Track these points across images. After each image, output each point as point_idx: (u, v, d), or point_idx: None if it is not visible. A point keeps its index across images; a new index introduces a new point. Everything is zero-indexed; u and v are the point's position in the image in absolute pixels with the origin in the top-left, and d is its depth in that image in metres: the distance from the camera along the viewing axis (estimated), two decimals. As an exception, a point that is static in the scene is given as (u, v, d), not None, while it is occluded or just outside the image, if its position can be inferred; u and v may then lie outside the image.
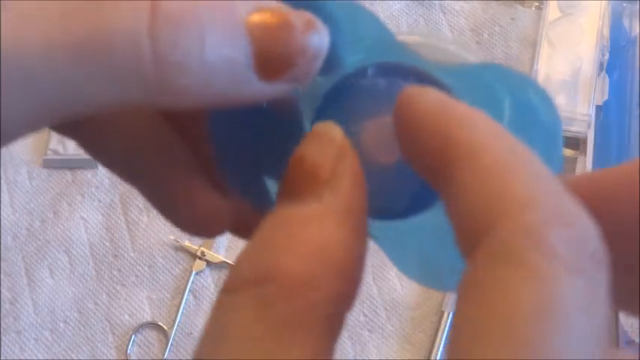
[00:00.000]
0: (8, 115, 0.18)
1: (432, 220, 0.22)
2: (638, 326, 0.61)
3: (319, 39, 0.20)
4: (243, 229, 0.25)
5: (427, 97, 0.19)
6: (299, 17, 0.19)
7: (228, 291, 0.18)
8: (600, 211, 0.18)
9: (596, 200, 0.19)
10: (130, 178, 0.25)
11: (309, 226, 0.18)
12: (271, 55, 0.19)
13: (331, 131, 0.20)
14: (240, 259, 0.19)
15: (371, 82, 0.22)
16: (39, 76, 0.17)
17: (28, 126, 0.19)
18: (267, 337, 0.17)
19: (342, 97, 0.22)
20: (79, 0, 0.18)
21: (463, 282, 0.16)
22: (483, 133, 0.17)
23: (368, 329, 0.66)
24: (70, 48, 0.17)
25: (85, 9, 0.18)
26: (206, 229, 0.24)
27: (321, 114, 0.22)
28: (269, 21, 0.19)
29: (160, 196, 0.24)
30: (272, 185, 0.23)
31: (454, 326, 0.16)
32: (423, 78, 0.22)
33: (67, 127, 0.24)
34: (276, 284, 0.17)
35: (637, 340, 0.61)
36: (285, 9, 0.19)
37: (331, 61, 0.21)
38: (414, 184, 0.21)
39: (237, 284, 0.18)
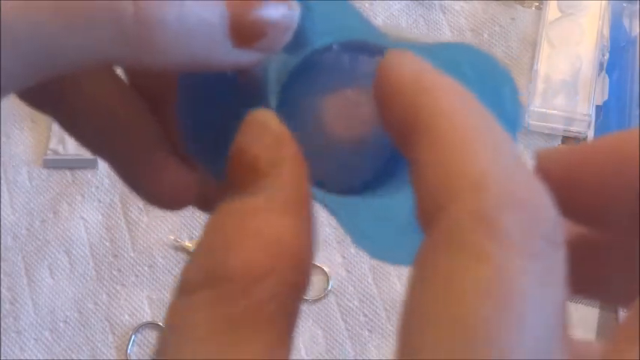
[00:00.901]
0: None
1: (391, 198, 0.22)
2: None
3: (290, 12, 0.21)
4: (207, 204, 0.25)
5: (404, 62, 0.18)
6: None
7: (181, 293, 0.18)
8: (593, 186, 0.18)
9: (590, 173, 0.18)
10: (100, 150, 0.26)
11: (254, 219, 0.18)
12: (245, 22, 0.20)
13: (266, 119, 0.20)
14: (191, 260, 0.19)
15: (336, 58, 0.22)
16: (21, 34, 0.18)
17: (13, 83, 0.19)
18: (224, 336, 0.17)
19: (308, 72, 0.22)
20: None
21: (414, 264, 0.16)
22: (449, 102, 0.17)
23: (368, 329, 0.66)
24: (51, 5, 0.18)
25: None
26: (171, 202, 0.25)
27: (287, 89, 0.23)
28: None
29: (128, 168, 0.25)
30: None
31: (403, 309, 0.15)
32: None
33: (41, 100, 0.25)
34: (228, 282, 0.17)
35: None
36: None
37: (300, 41, 0.22)
38: (375, 160, 0.21)
39: (189, 286, 0.18)
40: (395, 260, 0.22)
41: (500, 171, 0.16)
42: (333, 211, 0.22)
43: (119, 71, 0.26)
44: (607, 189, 0.18)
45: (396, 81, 0.18)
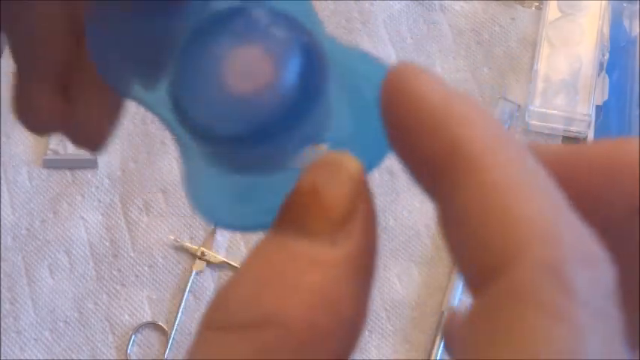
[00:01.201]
0: None
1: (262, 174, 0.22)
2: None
3: None
4: (80, 136, 0.28)
5: (428, 83, 0.17)
6: None
7: (217, 328, 0.16)
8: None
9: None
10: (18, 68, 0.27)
11: (319, 272, 0.16)
12: None
13: (350, 164, 0.18)
14: (232, 292, 0.17)
15: (247, 15, 0.22)
16: None
17: None
18: None
19: (219, 23, 0.23)
20: None
21: (475, 318, 0.15)
22: (493, 138, 0.15)
23: (368, 329, 0.66)
24: None
25: None
26: (34, 126, 0.27)
27: (195, 35, 0.23)
28: None
29: (17, 87, 0.27)
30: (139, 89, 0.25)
31: None
32: (302, 30, 0.22)
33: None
34: (281, 332, 0.16)
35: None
36: None
37: None
38: (263, 115, 0.21)
39: (229, 322, 0.16)
40: (218, 221, 0.22)
41: (565, 223, 0.15)
42: (182, 154, 0.23)
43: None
44: (599, 198, 0.17)
45: (424, 105, 0.16)
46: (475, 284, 0.15)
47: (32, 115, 0.27)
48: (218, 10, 0.23)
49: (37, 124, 0.27)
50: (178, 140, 0.23)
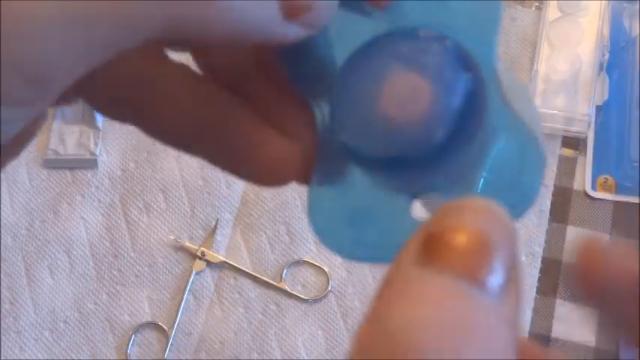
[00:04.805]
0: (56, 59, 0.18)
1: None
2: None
3: None
4: (307, 176, 0.24)
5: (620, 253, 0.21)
6: None
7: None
8: None
9: None
10: (191, 148, 0.25)
11: (463, 308, 0.17)
12: None
13: (503, 213, 0.19)
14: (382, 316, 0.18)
15: (416, 39, 0.22)
16: (83, 16, 0.17)
17: (82, 64, 0.19)
18: None
19: (386, 42, 0.23)
20: None
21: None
22: None
23: (368, 329, 0.66)
24: None
25: None
26: (276, 176, 0.24)
27: (359, 52, 0.23)
28: None
29: (229, 154, 0.24)
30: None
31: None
32: (458, 51, 0.22)
33: (121, 113, 0.24)
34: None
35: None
36: None
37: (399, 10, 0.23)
38: (411, 146, 0.21)
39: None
40: (327, 243, 0.23)
41: None
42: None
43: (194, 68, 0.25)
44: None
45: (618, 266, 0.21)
46: None
47: (276, 168, 0.24)
48: (390, 29, 0.23)
49: (283, 176, 0.24)
50: (323, 150, 0.23)
